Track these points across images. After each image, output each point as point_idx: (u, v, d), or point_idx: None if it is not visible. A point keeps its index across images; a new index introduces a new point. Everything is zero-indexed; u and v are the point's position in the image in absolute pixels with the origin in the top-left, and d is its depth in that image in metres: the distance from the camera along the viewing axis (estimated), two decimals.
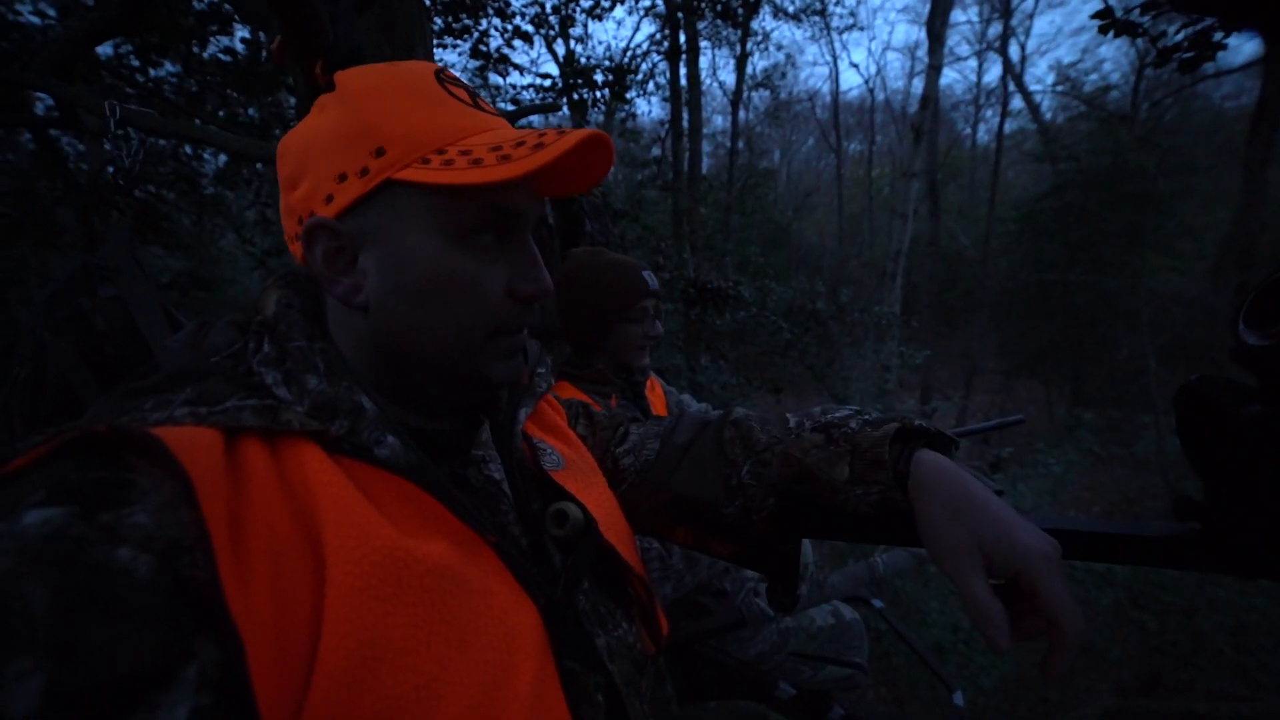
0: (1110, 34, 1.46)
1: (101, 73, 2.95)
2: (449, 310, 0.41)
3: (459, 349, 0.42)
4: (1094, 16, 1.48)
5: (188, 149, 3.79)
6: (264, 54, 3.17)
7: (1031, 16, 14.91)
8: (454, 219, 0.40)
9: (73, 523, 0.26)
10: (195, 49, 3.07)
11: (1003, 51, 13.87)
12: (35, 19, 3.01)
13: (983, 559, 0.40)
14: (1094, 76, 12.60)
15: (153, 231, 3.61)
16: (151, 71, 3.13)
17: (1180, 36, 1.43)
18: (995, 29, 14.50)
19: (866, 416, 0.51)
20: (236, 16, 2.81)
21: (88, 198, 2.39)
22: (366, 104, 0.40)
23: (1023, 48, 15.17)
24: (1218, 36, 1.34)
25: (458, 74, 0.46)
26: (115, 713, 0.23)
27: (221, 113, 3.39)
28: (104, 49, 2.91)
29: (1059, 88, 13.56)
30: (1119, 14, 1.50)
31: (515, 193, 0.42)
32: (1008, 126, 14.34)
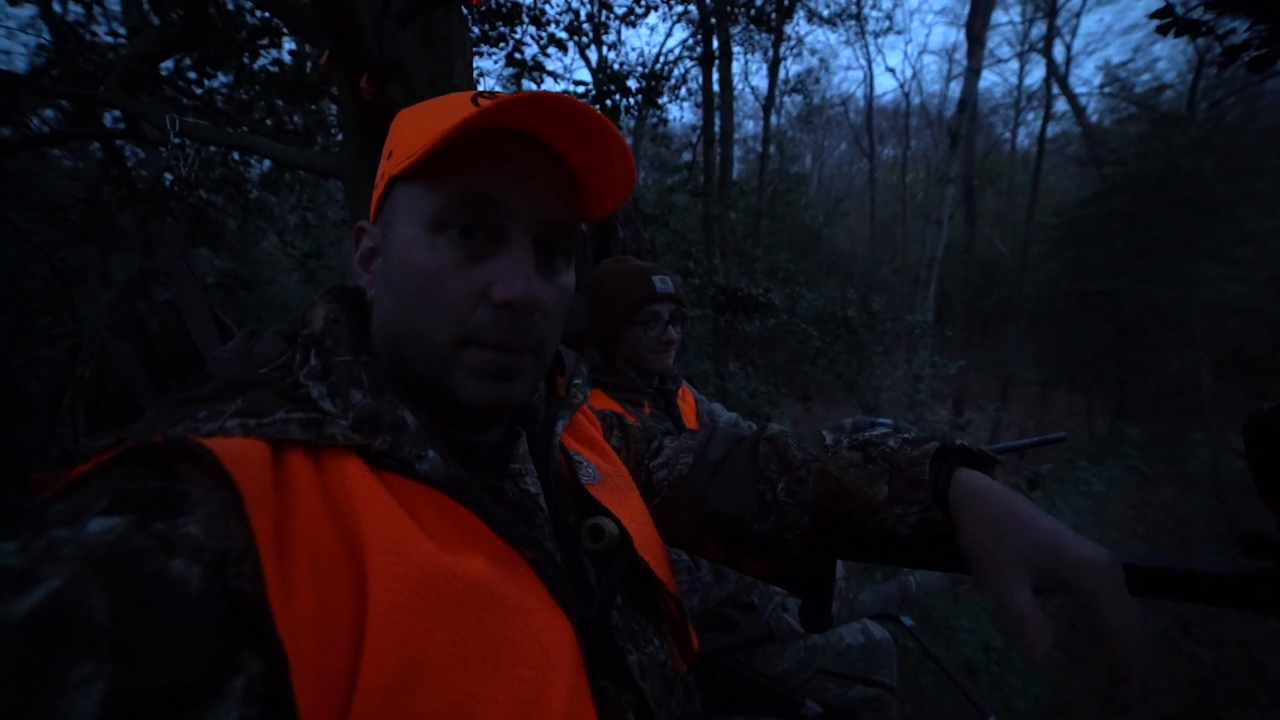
0: (1171, 33, 1.39)
1: (163, 86, 3.13)
2: (413, 305, 0.40)
3: (427, 353, 0.41)
4: (1152, 16, 1.40)
5: (235, 155, 3.97)
6: (309, 65, 3.31)
7: (1078, 15, 14.36)
8: (424, 208, 0.40)
9: (132, 532, 0.27)
10: (246, 61, 3.21)
11: (1046, 53, 13.39)
12: (109, 38, 3.23)
13: (1031, 576, 0.37)
14: (1146, 76, 12.04)
15: (202, 234, 3.79)
16: (206, 82, 3.30)
17: (1249, 33, 1.34)
18: (1039, 29, 14.02)
19: (905, 434, 0.50)
20: (286, 30, 2.93)
21: (146, 204, 2.53)
22: (397, 123, 0.44)
23: (1068, 48, 14.59)
24: None
25: (493, 81, 0.47)
26: None
27: (269, 121, 3.54)
28: (165, 63, 3.08)
29: (1107, 89, 13.01)
30: (1179, 11, 1.42)
31: (489, 179, 0.39)
32: (1050, 130, 13.82)
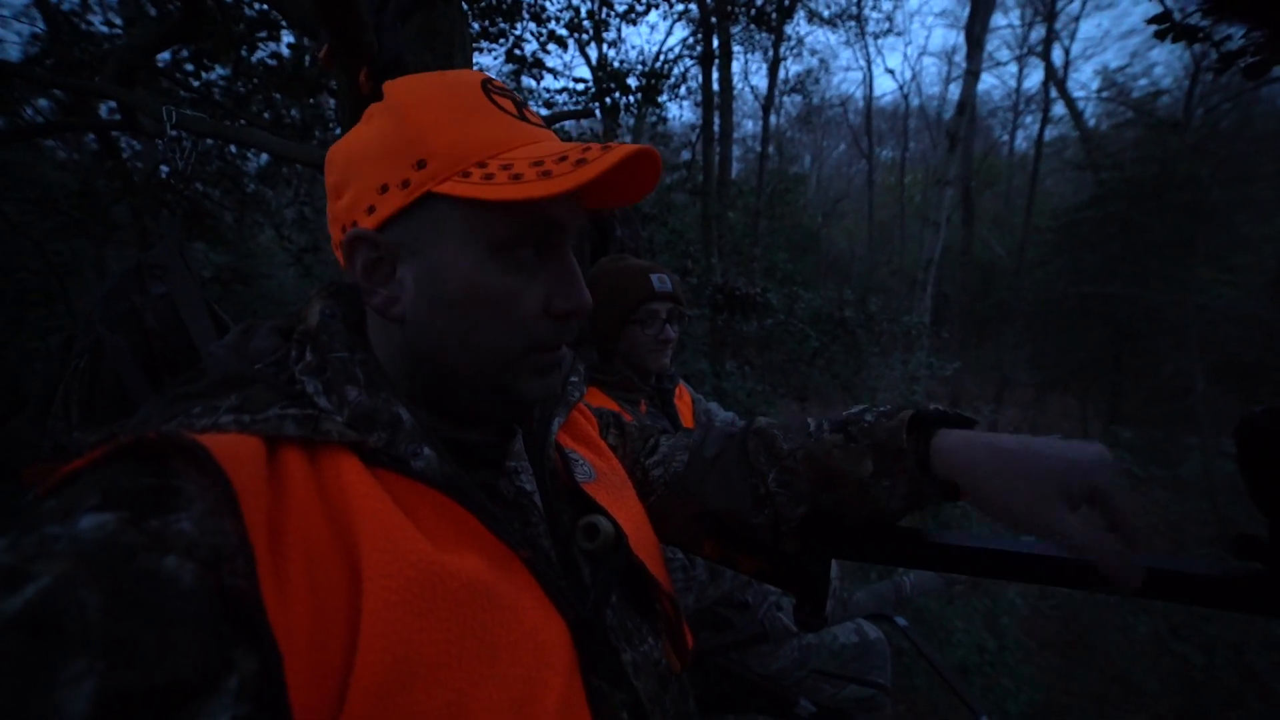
0: (1168, 39, 1.39)
1: (159, 78, 3.11)
2: (484, 326, 0.41)
3: (493, 365, 0.42)
4: (1150, 21, 1.40)
5: (232, 148, 3.95)
6: (307, 59, 3.29)
7: (1077, 20, 14.44)
8: (491, 232, 0.39)
9: (124, 529, 0.26)
10: (244, 53, 3.19)
11: (1045, 56, 13.44)
12: (105, 28, 3.21)
13: (1065, 502, 0.41)
14: (1143, 82, 12.12)
15: (198, 228, 3.77)
16: (203, 75, 3.27)
17: (1244, 40, 1.34)
18: (1038, 33, 14.07)
19: (881, 408, 0.51)
20: (285, 23, 2.92)
21: (142, 196, 2.51)
22: (411, 115, 0.40)
23: (1066, 52, 14.66)
24: None
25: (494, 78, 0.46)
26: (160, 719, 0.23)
27: (266, 114, 3.52)
28: (162, 54, 3.06)
29: (1104, 93, 13.07)
30: (1176, 17, 1.42)
31: (555, 205, 0.41)
32: (1048, 134, 13.86)
